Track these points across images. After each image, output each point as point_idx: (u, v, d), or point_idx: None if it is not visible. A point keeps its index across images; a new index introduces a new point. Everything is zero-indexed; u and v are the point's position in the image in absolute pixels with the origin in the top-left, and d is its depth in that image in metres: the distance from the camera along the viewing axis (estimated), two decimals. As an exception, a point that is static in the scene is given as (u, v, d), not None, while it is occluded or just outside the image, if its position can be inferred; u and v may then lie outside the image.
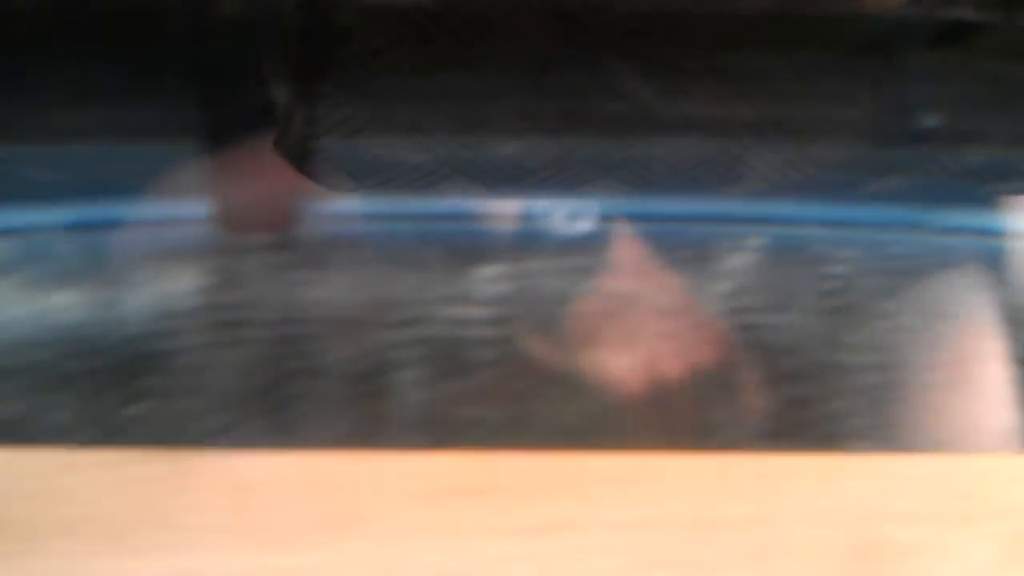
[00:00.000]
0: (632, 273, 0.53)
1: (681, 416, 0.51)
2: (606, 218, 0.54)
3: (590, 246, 0.53)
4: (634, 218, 0.54)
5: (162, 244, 0.54)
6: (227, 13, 0.52)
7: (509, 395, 0.50)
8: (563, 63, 0.51)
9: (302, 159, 0.51)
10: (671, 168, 0.51)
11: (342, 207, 0.55)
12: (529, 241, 0.54)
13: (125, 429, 0.48)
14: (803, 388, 0.52)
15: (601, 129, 0.51)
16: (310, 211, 0.54)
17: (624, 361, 0.51)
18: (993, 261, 0.56)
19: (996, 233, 0.56)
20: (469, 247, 0.53)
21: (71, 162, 0.54)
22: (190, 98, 0.53)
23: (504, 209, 0.54)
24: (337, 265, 0.53)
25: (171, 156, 0.54)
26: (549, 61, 0.50)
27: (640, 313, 0.52)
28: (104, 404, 0.49)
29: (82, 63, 0.51)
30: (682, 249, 0.54)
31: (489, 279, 0.52)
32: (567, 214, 0.54)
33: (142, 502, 0.41)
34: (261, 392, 0.50)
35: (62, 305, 0.52)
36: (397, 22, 0.50)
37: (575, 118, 0.51)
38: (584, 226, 0.54)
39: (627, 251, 0.54)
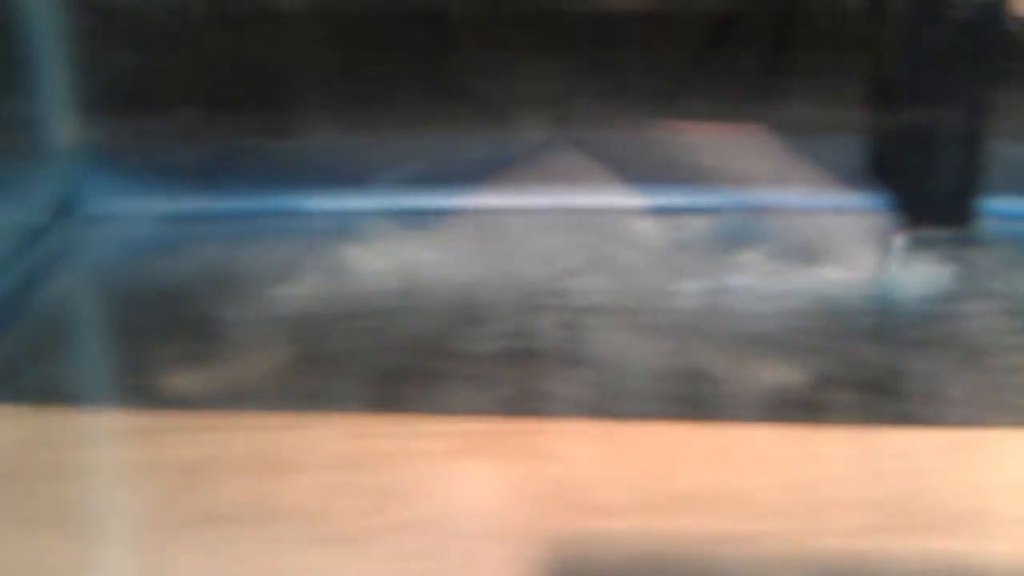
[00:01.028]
0: None
1: None
2: None
3: None
4: None
5: (852, 232, 0.57)
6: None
7: None
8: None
9: (977, 160, 0.56)
10: None
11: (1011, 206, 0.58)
12: None
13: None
14: None
15: None
16: (982, 208, 0.57)
17: None
18: None
19: None
20: None
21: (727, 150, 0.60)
22: (873, 96, 0.59)
23: None
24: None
25: (852, 150, 0.60)
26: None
27: None
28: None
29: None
30: None
31: None
32: None
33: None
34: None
35: (829, 279, 0.55)
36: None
37: None
38: None
39: None
